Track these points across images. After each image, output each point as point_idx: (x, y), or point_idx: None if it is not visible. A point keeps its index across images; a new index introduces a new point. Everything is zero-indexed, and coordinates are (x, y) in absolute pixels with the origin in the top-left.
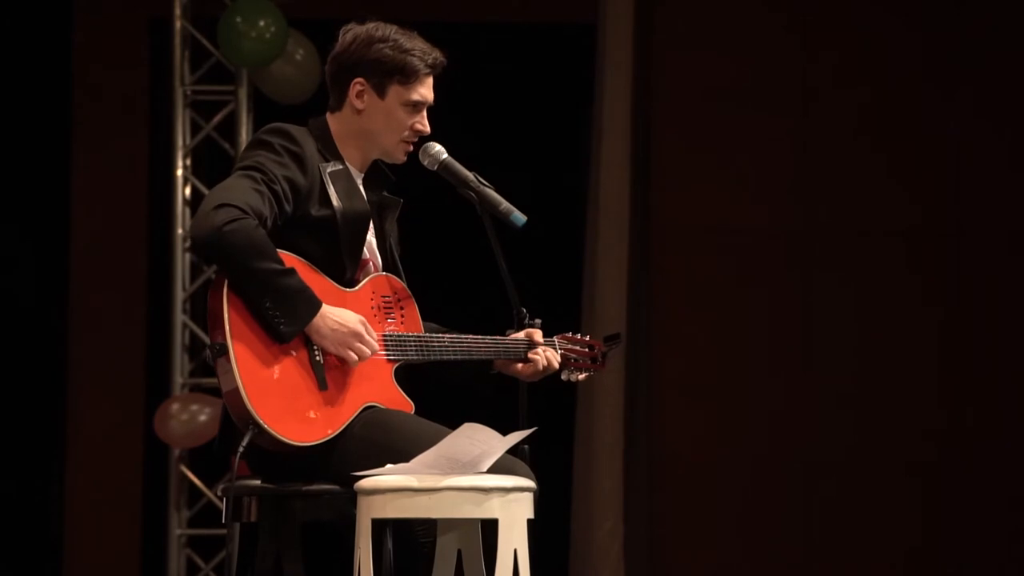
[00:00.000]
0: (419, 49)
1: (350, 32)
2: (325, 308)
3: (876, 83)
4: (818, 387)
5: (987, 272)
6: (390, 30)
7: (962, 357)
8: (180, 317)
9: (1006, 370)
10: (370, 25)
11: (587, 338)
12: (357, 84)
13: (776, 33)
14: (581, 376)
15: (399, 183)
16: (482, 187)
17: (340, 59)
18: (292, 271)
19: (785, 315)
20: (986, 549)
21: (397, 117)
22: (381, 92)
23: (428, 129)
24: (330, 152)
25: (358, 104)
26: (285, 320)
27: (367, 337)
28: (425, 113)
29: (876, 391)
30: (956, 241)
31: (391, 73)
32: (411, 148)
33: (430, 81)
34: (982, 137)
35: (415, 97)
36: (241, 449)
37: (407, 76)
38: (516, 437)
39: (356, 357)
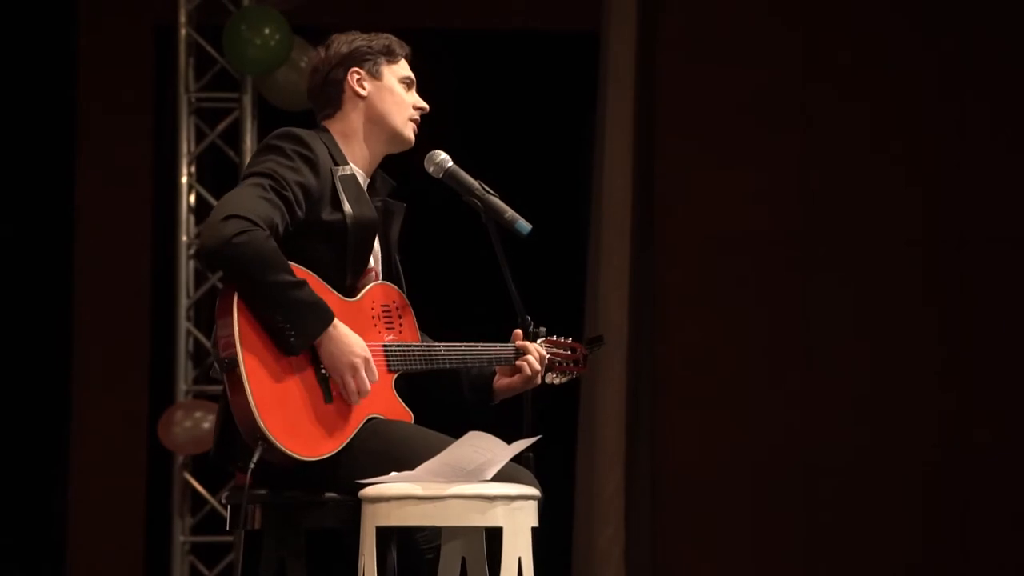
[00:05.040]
0: (387, 36)
1: (323, 48)
2: (337, 323)
3: (878, 91)
4: (820, 394)
5: (989, 278)
6: (358, 32)
7: (964, 362)
8: (184, 324)
9: (1008, 375)
10: (332, 35)
11: (570, 340)
12: (354, 73)
13: (779, 42)
14: (563, 379)
15: (404, 190)
16: (487, 195)
17: (327, 64)
18: (303, 283)
19: (787, 322)
20: (989, 553)
21: (398, 92)
22: (376, 74)
23: (426, 105)
24: (338, 157)
25: (361, 91)
26: (295, 332)
27: (362, 375)
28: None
29: (878, 398)
30: (958, 247)
31: (378, 55)
32: (416, 128)
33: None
34: (984, 144)
35: (405, 73)
36: (252, 466)
37: (392, 55)
38: (520, 445)
39: (346, 388)
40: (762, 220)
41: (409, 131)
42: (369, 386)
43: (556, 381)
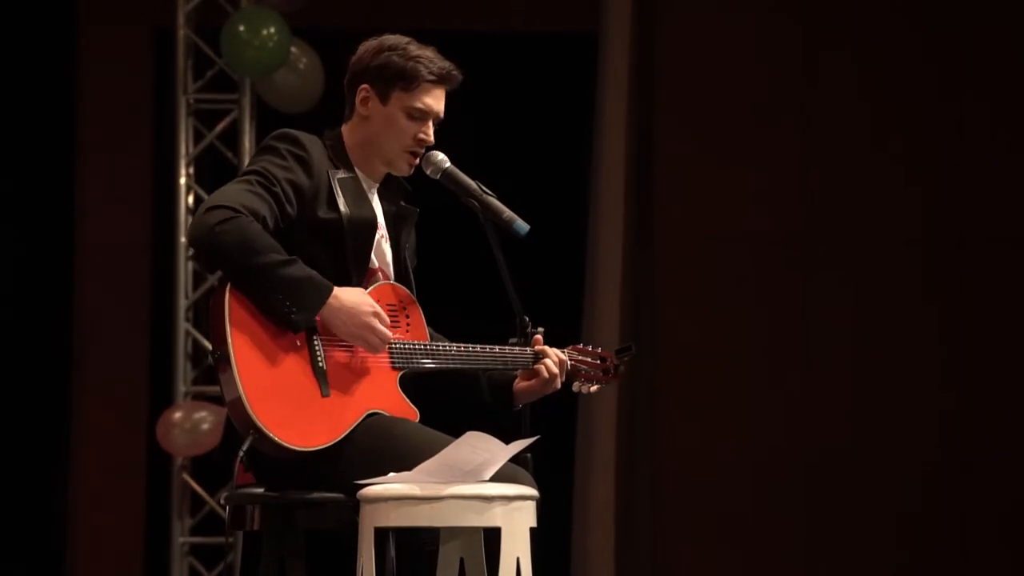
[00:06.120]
0: (427, 58)
1: (365, 44)
2: (337, 291)
3: (878, 91)
4: (820, 394)
5: (989, 278)
6: (403, 40)
7: (963, 363)
8: (183, 325)
9: (1008, 375)
10: (385, 36)
11: (599, 350)
12: (362, 90)
13: (778, 42)
14: (593, 388)
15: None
16: (485, 196)
17: (353, 68)
18: (295, 260)
19: (787, 322)
20: (989, 553)
21: (399, 124)
22: (384, 98)
23: (431, 139)
24: (341, 161)
25: (363, 111)
26: (296, 308)
27: (379, 328)
28: (430, 124)
29: (877, 400)
30: (957, 247)
31: (394, 79)
32: (415, 160)
33: (439, 93)
34: (984, 144)
35: (418, 104)
36: (241, 454)
37: (410, 82)
38: (519, 445)
39: (370, 347)
40: (762, 220)
41: (402, 162)
42: (391, 334)
43: (584, 390)
